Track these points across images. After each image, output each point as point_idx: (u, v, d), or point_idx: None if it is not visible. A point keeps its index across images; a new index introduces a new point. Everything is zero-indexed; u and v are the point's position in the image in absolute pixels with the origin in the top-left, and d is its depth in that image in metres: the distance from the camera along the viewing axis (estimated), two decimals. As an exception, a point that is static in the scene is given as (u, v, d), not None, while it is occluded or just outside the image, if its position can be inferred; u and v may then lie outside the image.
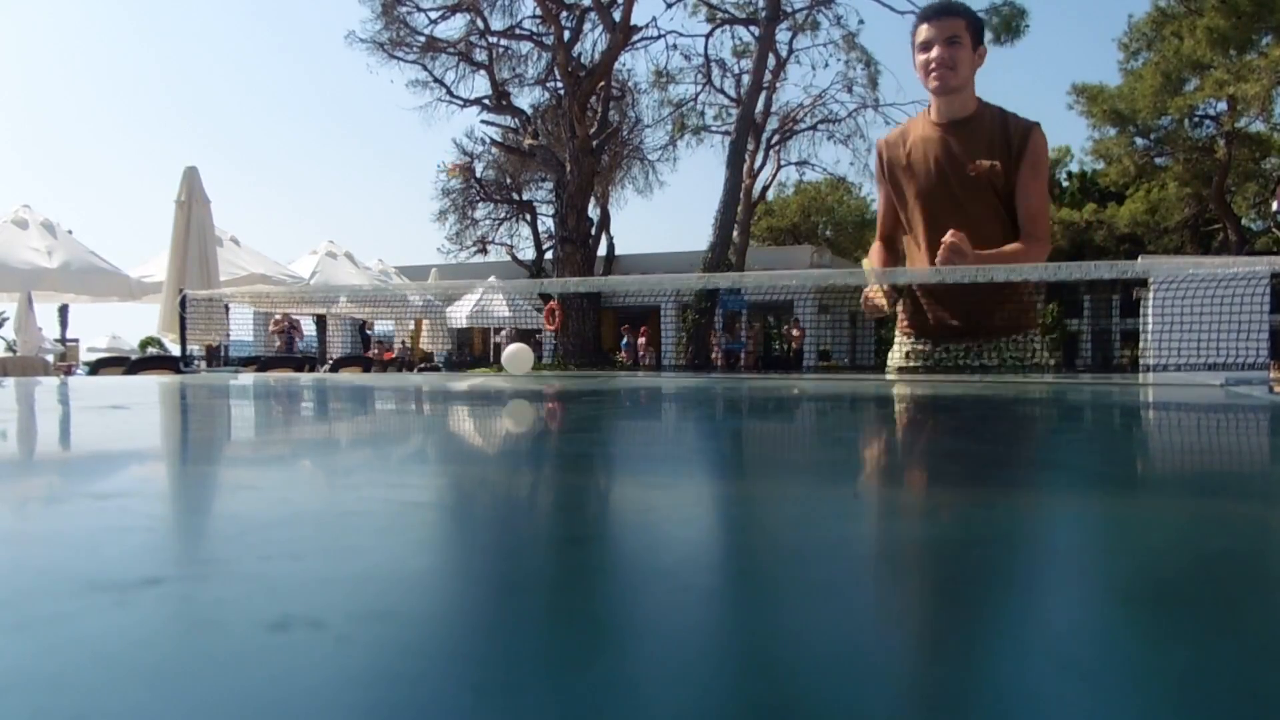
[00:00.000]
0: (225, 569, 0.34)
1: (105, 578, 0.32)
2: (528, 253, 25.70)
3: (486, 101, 19.32)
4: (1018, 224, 2.60)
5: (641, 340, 18.05)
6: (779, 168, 23.61)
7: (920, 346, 2.79)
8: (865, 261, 2.88)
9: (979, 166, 2.53)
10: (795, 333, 17.67)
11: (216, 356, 6.89)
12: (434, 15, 18.45)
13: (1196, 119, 24.06)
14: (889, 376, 2.82)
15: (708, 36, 20.05)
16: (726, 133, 19.22)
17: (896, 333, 2.89)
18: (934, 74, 2.51)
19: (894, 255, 2.86)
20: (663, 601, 0.31)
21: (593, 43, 18.07)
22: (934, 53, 2.50)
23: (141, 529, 0.43)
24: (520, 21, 18.70)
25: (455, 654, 0.25)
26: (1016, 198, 2.58)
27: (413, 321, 11.88)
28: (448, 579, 0.36)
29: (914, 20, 2.59)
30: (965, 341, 2.70)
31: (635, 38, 17.10)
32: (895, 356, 2.87)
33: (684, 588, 0.32)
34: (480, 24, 18.63)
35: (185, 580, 0.33)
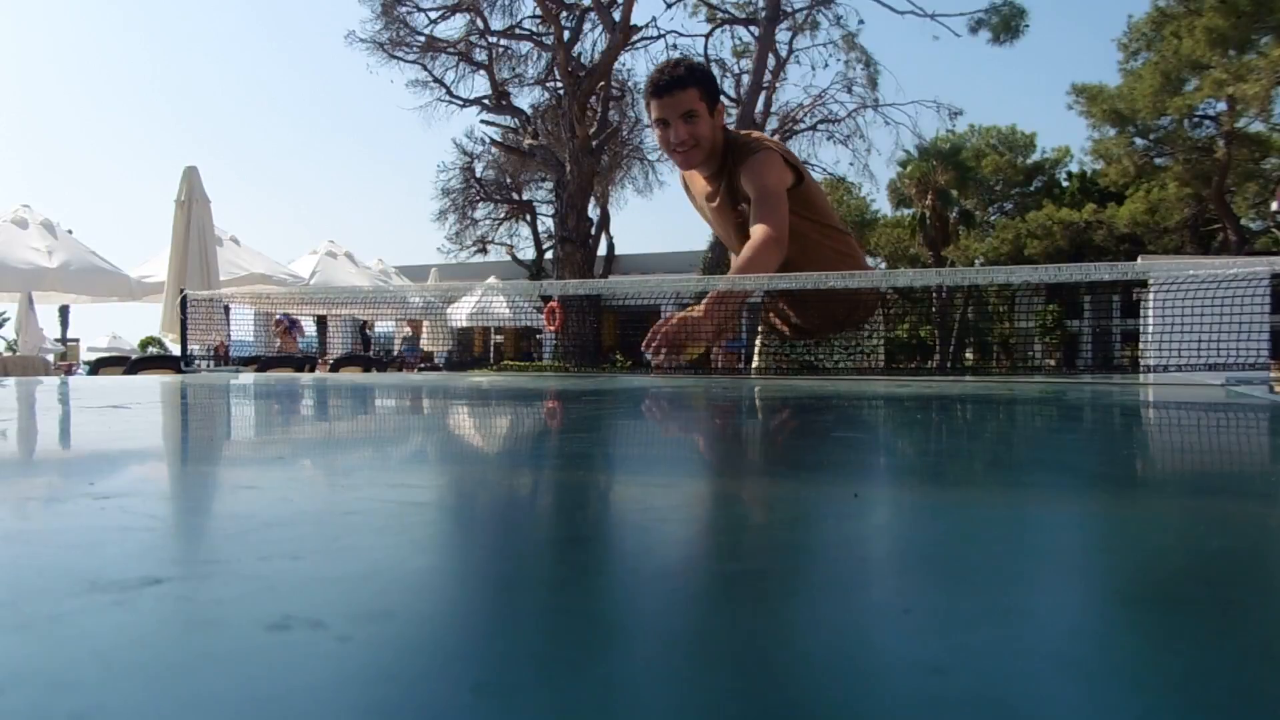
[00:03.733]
0: (225, 569, 0.34)
1: (105, 578, 0.32)
2: (528, 253, 25.70)
3: (486, 101, 19.30)
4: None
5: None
6: (779, 168, 23.48)
7: (774, 344, 2.91)
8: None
9: (740, 213, 2.57)
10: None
11: (220, 357, 6.89)
12: (434, 15, 18.46)
13: (1196, 119, 24.02)
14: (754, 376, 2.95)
15: (707, 36, 20.01)
16: (727, 133, 19.18)
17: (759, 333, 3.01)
18: (677, 154, 2.51)
19: None
20: (661, 601, 0.31)
21: (593, 43, 18.07)
22: (672, 135, 2.46)
23: (141, 529, 0.43)
24: (520, 21, 18.69)
25: (455, 654, 0.25)
26: None
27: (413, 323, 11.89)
28: (447, 579, 0.36)
29: (645, 90, 2.53)
30: (805, 339, 2.83)
31: (635, 38, 17.08)
32: (762, 355, 2.98)
33: (682, 588, 0.32)
34: (480, 24, 18.64)
35: (185, 580, 0.33)
